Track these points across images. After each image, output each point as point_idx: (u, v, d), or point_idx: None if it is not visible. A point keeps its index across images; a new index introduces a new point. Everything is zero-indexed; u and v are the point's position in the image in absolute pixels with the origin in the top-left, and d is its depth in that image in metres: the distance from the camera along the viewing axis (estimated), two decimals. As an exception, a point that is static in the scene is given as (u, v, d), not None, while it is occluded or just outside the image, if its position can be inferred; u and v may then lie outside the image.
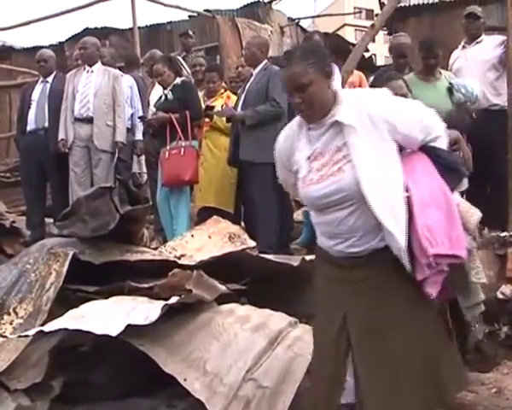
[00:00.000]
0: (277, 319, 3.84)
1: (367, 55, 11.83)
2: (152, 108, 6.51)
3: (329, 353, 2.68)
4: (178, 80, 6.18)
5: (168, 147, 5.95)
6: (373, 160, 2.51)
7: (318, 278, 2.82)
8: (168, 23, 13.00)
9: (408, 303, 2.58)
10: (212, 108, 6.27)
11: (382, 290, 2.58)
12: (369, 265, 2.60)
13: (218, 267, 4.21)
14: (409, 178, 2.55)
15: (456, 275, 2.57)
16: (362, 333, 2.60)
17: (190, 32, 9.19)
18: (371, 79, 6.91)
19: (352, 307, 2.63)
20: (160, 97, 6.32)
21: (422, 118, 2.65)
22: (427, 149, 2.65)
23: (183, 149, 5.92)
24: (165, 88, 6.19)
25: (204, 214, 5.92)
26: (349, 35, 32.63)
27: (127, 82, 7.26)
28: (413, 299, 2.57)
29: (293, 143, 2.76)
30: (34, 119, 6.81)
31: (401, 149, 2.62)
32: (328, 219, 2.65)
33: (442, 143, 2.68)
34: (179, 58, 7.89)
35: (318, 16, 21.76)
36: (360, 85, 9.94)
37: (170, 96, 6.09)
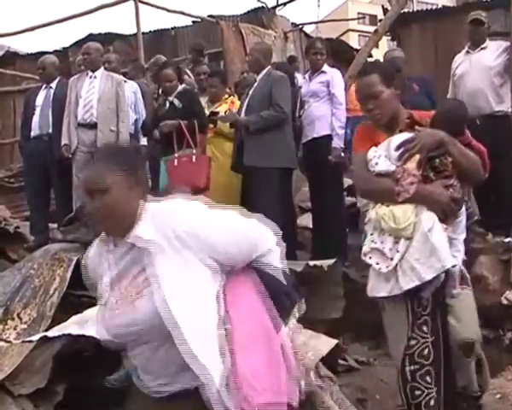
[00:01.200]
0: (281, 325, 3.83)
1: (370, 60, 11.84)
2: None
3: None
4: (181, 88, 6.17)
5: (176, 155, 5.89)
6: (179, 290, 2.07)
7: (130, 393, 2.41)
8: (172, 28, 13.03)
9: None
10: (216, 113, 6.28)
11: None
12: (181, 403, 2.17)
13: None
14: (230, 307, 2.13)
15: None
16: None
17: (205, 52, 9.26)
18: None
19: None
20: (159, 103, 6.25)
21: (245, 233, 2.22)
22: (255, 268, 2.24)
23: (194, 157, 5.87)
24: (168, 94, 6.15)
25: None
26: (352, 41, 32.67)
27: (131, 87, 7.26)
28: None
29: (96, 265, 2.32)
30: (38, 124, 6.81)
31: (225, 267, 2.20)
32: (135, 354, 2.23)
33: (274, 259, 2.27)
34: (187, 71, 7.99)
35: (322, 22, 21.84)
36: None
37: (177, 103, 6.04)
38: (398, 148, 3.02)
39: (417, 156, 2.98)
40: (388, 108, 3.11)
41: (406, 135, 3.06)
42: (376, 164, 3.05)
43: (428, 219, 2.94)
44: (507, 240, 5.79)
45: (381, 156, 3.05)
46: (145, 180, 2.28)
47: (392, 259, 2.95)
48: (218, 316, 2.11)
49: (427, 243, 2.90)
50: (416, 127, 3.13)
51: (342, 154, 6.00)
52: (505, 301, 5.20)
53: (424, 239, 2.90)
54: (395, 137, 3.08)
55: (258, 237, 2.24)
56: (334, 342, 3.88)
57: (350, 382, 4.11)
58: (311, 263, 4.64)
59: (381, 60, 6.99)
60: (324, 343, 3.80)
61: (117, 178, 2.14)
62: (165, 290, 2.06)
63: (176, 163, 5.88)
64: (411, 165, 2.99)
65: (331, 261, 4.62)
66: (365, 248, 3.07)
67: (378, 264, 2.99)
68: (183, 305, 2.06)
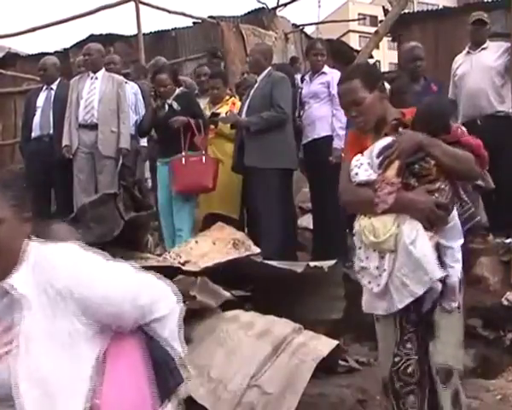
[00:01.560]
0: (282, 326, 3.84)
1: (371, 61, 11.85)
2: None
3: None
4: (178, 91, 6.17)
5: (184, 153, 5.89)
6: (46, 352, 1.82)
7: None
8: (173, 29, 13.01)
9: None
10: (218, 114, 6.28)
11: None
12: None
13: (222, 274, 4.21)
14: (105, 378, 1.87)
15: None
16: None
17: (219, 54, 9.29)
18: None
19: None
20: (157, 105, 6.25)
21: (137, 294, 1.94)
22: (146, 333, 1.97)
23: (204, 158, 5.89)
24: (165, 98, 6.15)
25: (209, 221, 5.92)
26: (353, 42, 32.69)
27: (131, 89, 7.27)
28: None
29: None
30: (39, 125, 6.82)
31: (111, 327, 1.94)
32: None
33: (170, 323, 1.99)
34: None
35: (322, 23, 21.76)
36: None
37: (175, 105, 6.04)
38: (378, 155, 2.85)
39: (397, 163, 2.81)
40: (372, 114, 2.94)
41: (388, 139, 2.89)
42: (356, 174, 2.91)
43: (411, 229, 2.76)
44: (507, 241, 5.79)
45: (363, 165, 2.90)
46: (32, 218, 2.01)
47: (380, 276, 2.80)
48: (91, 387, 1.84)
49: (411, 256, 2.72)
50: (400, 130, 2.92)
51: (343, 155, 5.99)
52: (506, 302, 5.20)
53: (407, 252, 2.73)
54: (378, 142, 2.92)
55: (152, 297, 1.97)
56: (334, 342, 3.88)
57: (350, 382, 4.11)
58: (312, 264, 4.64)
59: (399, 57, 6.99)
60: (325, 344, 3.80)
61: (9, 210, 1.89)
62: (29, 355, 1.81)
63: (184, 162, 5.88)
64: (391, 172, 2.82)
65: (331, 262, 4.62)
66: (356, 267, 2.97)
67: (370, 283, 2.87)
68: (47, 375, 1.81)
